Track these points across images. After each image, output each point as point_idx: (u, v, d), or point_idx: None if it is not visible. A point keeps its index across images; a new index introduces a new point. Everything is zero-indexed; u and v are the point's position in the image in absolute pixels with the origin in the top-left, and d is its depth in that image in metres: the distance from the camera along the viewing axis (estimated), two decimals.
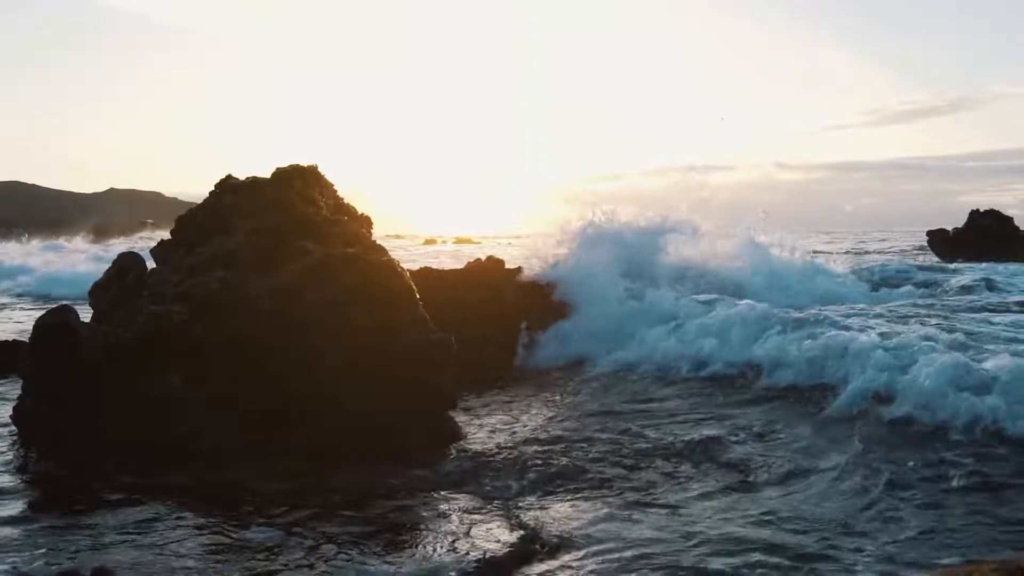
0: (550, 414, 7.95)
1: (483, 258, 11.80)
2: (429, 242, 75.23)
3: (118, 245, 38.24)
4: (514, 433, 7.15)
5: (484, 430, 7.33)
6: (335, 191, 9.32)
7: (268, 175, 8.83)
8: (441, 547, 4.61)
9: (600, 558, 4.42)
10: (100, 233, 60.05)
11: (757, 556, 4.42)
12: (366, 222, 9.25)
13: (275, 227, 7.96)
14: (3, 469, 6.15)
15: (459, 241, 79.04)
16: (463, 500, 5.46)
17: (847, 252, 37.26)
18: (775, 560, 4.38)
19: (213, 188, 8.83)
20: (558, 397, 8.76)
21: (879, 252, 38.35)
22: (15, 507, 5.42)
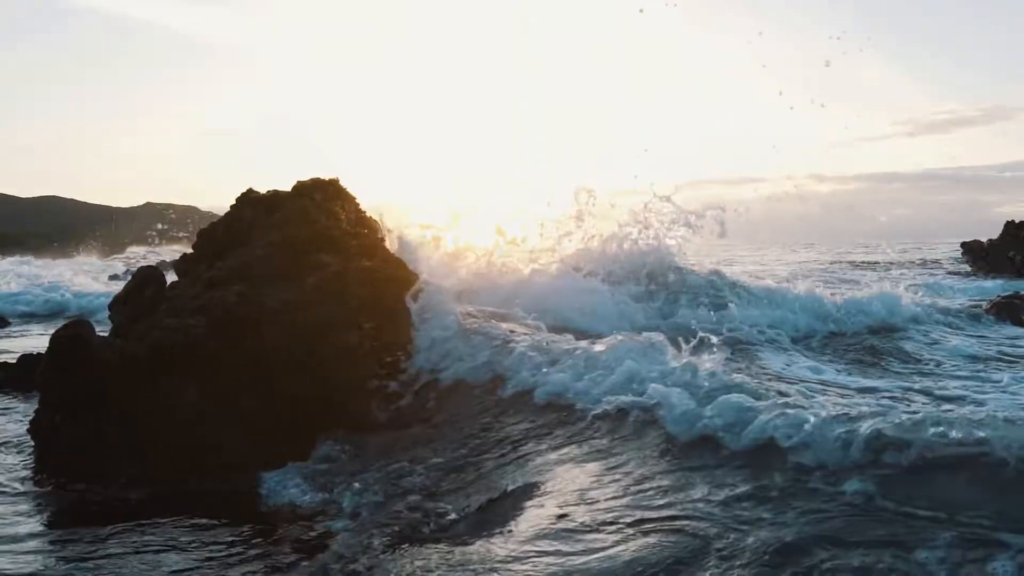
0: None
1: None
2: None
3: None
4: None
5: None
6: (357, 203, 9.35)
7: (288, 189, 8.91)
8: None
9: None
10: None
11: None
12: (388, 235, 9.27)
13: (293, 240, 7.98)
14: (20, 483, 6.18)
15: None
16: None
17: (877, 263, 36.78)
18: None
19: (234, 202, 8.90)
20: None
21: (916, 262, 37.79)
22: (32, 521, 5.44)
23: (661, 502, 4.26)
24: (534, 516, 4.44)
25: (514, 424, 6.11)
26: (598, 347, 6.58)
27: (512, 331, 7.61)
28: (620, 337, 6.63)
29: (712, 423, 4.89)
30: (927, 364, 8.85)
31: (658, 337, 6.41)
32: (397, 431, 6.53)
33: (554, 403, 6.13)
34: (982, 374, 8.24)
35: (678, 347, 6.28)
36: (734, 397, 5.07)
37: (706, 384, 5.52)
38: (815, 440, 4.38)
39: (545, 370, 6.50)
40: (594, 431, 5.52)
